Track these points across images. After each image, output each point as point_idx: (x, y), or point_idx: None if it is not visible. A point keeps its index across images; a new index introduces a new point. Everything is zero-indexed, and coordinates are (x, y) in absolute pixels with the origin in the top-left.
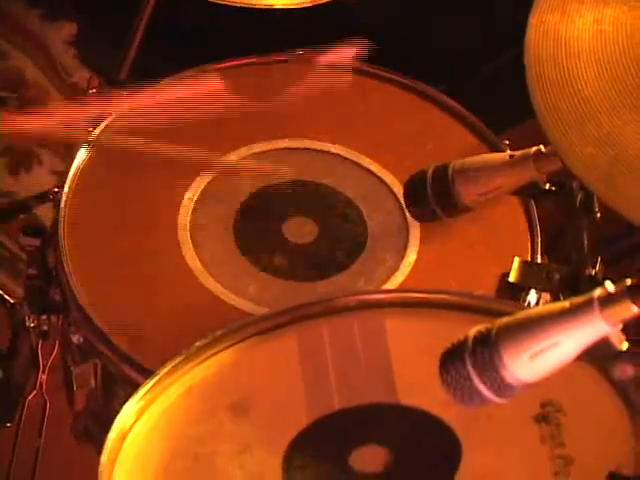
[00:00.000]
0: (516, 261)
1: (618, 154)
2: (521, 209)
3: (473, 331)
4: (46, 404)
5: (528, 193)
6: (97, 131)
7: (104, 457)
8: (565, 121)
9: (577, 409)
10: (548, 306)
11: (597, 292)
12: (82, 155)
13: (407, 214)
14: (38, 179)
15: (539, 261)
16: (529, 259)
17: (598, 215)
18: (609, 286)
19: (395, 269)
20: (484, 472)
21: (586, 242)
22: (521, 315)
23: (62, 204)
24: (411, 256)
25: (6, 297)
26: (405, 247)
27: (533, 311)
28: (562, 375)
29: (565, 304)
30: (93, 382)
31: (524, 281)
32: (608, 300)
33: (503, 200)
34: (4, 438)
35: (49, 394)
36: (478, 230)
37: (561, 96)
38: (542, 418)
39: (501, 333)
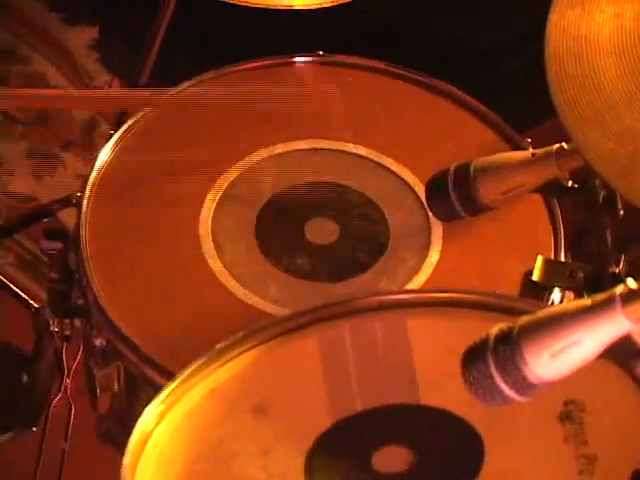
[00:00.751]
0: (539, 260)
1: (638, 149)
2: (544, 207)
3: (495, 329)
4: (71, 408)
5: (550, 191)
6: (118, 134)
7: (126, 460)
8: (585, 116)
9: (600, 407)
10: (569, 304)
11: (619, 289)
12: (103, 158)
13: (429, 213)
14: (62, 183)
15: (563, 259)
16: (552, 257)
17: (621, 212)
18: (631, 283)
19: (417, 269)
20: (507, 471)
21: (609, 240)
22: (542, 313)
23: (83, 207)
24: (433, 256)
25: (30, 301)
26: (427, 247)
27: (554, 309)
28: (585, 373)
29: (586, 302)
30: (116, 385)
31: (547, 280)
32: (630, 297)
33: (526, 198)
34: (30, 442)
35: (74, 398)
36: (501, 229)
37: (581, 91)
38: (565, 417)
39: (523, 331)
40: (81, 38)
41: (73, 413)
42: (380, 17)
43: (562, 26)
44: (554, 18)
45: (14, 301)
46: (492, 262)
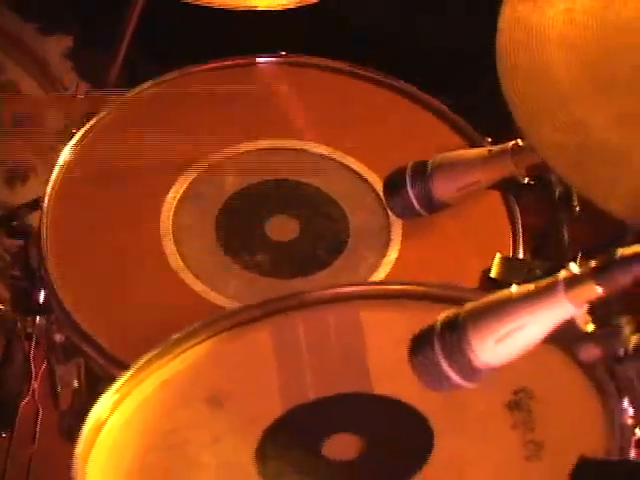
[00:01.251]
0: (497, 257)
1: (587, 139)
2: (503, 205)
3: (441, 316)
4: (39, 411)
5: (507, 188)
6: (81, 131)
7: (78, 448)
8: (535, 108)
9: (548, 395)
10: (515, 289)
11: (562, 274)
12: (65, 157)
13: (389, 212)
14: (34, 190)
15: (521, 257)
16: (511, 255)
17: (577, 209)
18: (574, 268)
19: (377, 266)
20: (455, 458)
21: (566, 236)
22: (488, 299)
23: (45, 205)
24: (392, 254)
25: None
26: (387, 245)
27: (500, 294)
28: (533, 362)
29: (531, 287)
30: (77, 381)
31: (505, 277)
32: (573, 282)
33: (485, 197)
34: None
35: (41, 401)
36: (460, 227)
37: (531, 84)
38: (514, 405)
39: (468, 317)
40: (56, 47)
41: (41, 416)
42: (363, 26)
43: (514, 20)
44: (506, 12)
45: None
46: (451, 259)
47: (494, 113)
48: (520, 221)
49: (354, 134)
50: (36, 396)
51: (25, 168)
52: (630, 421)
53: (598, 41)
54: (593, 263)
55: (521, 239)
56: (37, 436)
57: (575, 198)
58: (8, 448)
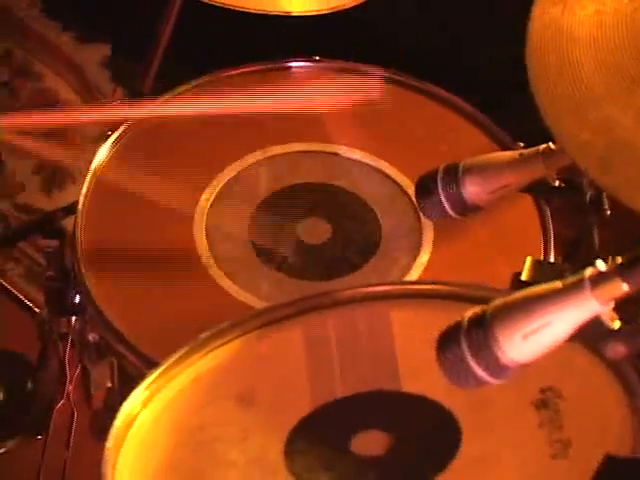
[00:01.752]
0: (529, 260)
1: (615, 139)
2: (535, 210)
3: (469, 313)
4: (74, 414)
5: (538, 190)
6: (116, 134)
7: (109, 443)
8: (564, 106)
9: (575, 393)
10: (541, 286)
11: (588, 271)
12: (100, 158)
13: (421, 215)
14: (72, 197)
15: (552, 261)
16: (542, 259)
17: (608, 212)
18: (600, 265)
19: (408, 269)
20: (482, 455)
21: (596, 240)
22: (515, 296)
23: (80, 205)
24: (424, 256)
25: (36, 310)
26: (418, 248)
27: (527, 291)
28: (560, 360)
29: (558, 284)
30: (110, 381)
31: (536, 280)
32: (599, 279)
33: (516, 201)
34: (32, 449)
35: (76, 404)
36: (491, 231)
37: (560, 84)
38: (541, 404)
39: (495, 314)
40: (93, 56)
41: (76, 420)
42: (383, 32)
43: (544, 21)
44: (537, 13)
45: (22, 311)
46: (482, 263)
47: (493, 112)
48: (551, 225)
49: (385, 137)
50: (71, 399)
51: (62, 175)
52: None
53: (627, 41)
54: (619, 260)
55: (552, 243)
56: (72, 440)
57: (606, 201)
58: (43, 451)
